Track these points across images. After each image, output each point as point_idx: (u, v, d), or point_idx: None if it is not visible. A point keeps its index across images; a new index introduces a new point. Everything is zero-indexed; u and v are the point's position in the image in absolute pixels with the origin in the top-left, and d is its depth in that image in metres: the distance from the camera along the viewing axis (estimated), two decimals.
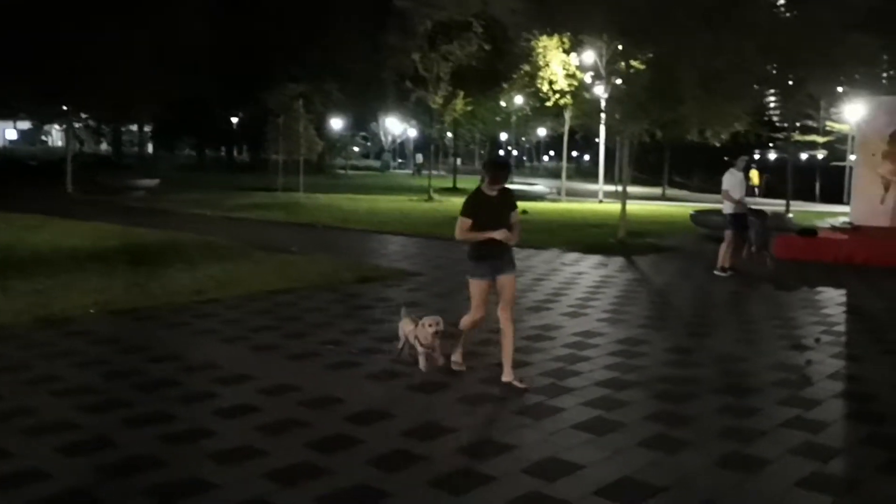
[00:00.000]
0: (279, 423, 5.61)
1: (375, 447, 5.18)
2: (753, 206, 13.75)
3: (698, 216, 20.42)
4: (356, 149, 73.29)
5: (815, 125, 43.98)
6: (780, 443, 5.42)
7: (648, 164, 54.75)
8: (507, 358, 6.61)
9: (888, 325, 9.43)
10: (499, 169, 6.63)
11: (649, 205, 33.19)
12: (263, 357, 7.45)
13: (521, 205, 20.93)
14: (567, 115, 34.97)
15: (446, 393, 6.41)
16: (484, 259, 6.55)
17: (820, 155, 49.09)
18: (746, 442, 5.41)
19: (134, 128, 66.14)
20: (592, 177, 43.75)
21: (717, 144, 26.51)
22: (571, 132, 38.31)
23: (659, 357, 7.66)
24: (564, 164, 40.21)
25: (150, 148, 70.64)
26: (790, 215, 22.98)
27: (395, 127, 64.71)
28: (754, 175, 49.62)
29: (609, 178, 43.28)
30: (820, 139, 44.31)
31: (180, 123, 56.62)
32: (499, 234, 6.40)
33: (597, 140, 39.78)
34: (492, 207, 6.50)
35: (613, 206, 19.08)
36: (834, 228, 17.66)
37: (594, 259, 14.83)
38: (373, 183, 45.73)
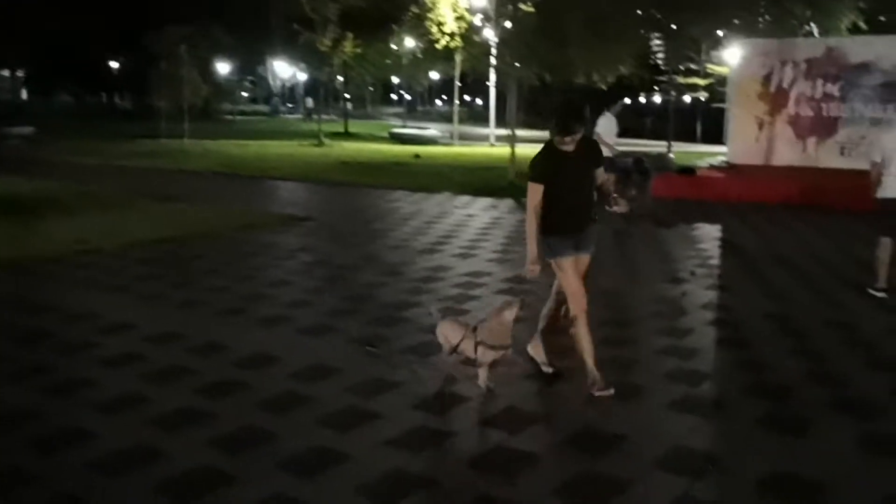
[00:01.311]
0: (165, 370, 5.54)
1: (262, 390, 5.19)
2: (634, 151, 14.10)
3: None
4: (244, 94, 71.36)
5: (697, 68, 45.24)
6: (654, 370, 5.70)
7: (539, 107, 55.38)
8: (589, 357, 5.24)
9: (759, 257, 9.93)
10: (571, 117, 5.00)
11: (539, 147, 33.64)
12: (148, 306, 7.31)
13: (413, 149, 21.00)
14: (457, 58, 34.93)
15: (336, 334, 6.44)
16: (567, 233, 5.17)
17: (702, 97, 50.62)
18: (623, 369, 5.66)
19: (6, 73, 62.56)
20: (485, 121, 43.99)
21: (604, 87, 27.07)
22: (463, 76, 38.36)
23: (544, 294, 7.86)
24: (456, 107, 40.28)
25: (23, 94, 66.97)
26: (671, 155, 23.73)
27: (284, 71, 63.22)
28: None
29: (501, 122, 43.56)
30: (701, 82, 45.62)
31: (56, 68, 53.80)
32: (529, 266, 5.18)
33: (488, 84, 39.92)
34: (570, 167, 5.06)
35: (505, 150, 19.31)
36: (711, 167, 18.38)
37: (484, 202, 15.02)
38: (262, 128, 44.77)
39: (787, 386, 5.43)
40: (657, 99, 62.29)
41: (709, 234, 11.64)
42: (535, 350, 5.63)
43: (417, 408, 4.95)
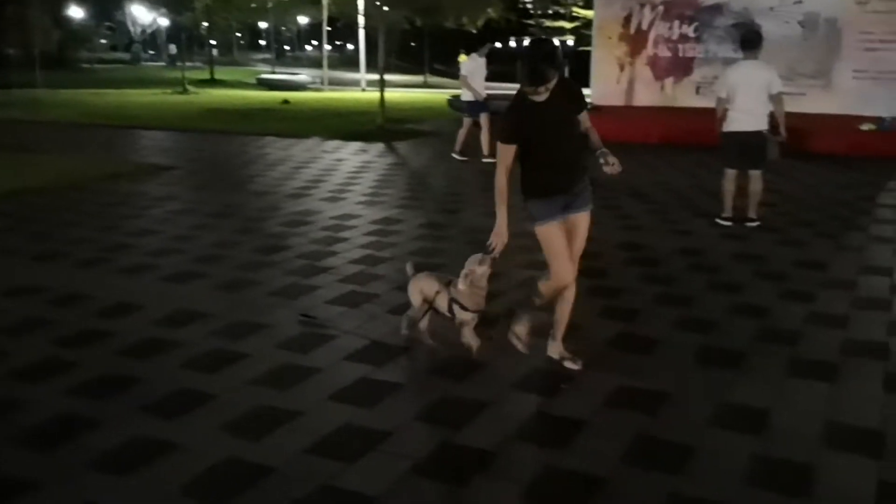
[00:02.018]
0: (22, 322, 5.39)
1: (125, 338, 5.12)
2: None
3: (455, 101, 21.00)
4: (103, 41, 67.82)
5: (563, 12, 45.95)
6: (514, 300, 5.93)
7: (410, 52, 55.09)
8: (559, 326, 4.76)
9: (617, 192, 10.35)
10: (543, 61, 4.13)
11: (411, 92, 33.64)
12: (4, 260, 7.03)
13: (281, 95, 20.53)
14: (324, 1, 34.25)
15: (202, 280, 6.39)
16: (550, 194, 4.44)
17: (569, 40, 51.49)
18: (492, 303, 5.86)
19: None
20: (356, 66, 43.45)
21: (474, 31, 27.22)
22: (332, 20, 37.67)
23: (412, 233, 8.02)
24: (325, 52, 39.66)
25: None
26: None
27: (144, 16, 60.29)
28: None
29: (372, 67, 43.13)
30: (568, 25, 46.41)
31: None
32: (495, 235, 4.52)
33: (358, 28, 39.39)
34: (548, 119, 4.29)
35: (375, 95, 19.19)
36: None
37: (354, 146, 14.97)
38: (122, 77, 42.77)
39: (637, 309, 5.78)
40: (527, 43, 62.77)
41: None
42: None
43: (282, 347, 5.01)
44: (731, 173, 8.41)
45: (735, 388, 4.46)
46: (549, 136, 4.33)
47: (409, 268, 5.19)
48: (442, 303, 4.80)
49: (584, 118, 4.50)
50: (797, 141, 12.51)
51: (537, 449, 3.81)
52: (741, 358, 4.89)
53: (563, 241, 4.49)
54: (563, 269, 4.52)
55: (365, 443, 3.81)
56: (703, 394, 4.39)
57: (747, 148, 8.16)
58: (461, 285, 4.65)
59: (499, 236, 4.51)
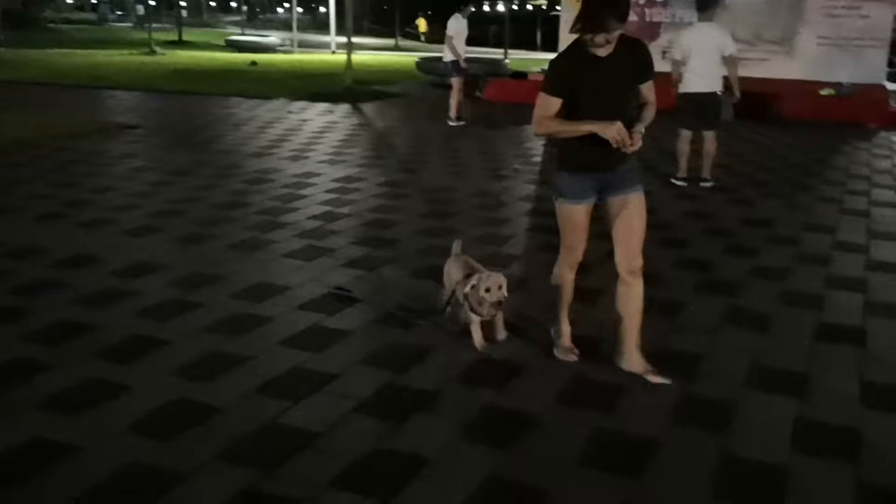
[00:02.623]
0: None
1: (82, 288, 5.21)
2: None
3: (423, 64, 21.02)
4: (69, 0, 66.60)
5: None
6: (470, 254, 6.07)
7: (383, 15, 54.65)
8: (630, 335, 4.11)
9: None
10: (607, 5, 3.59)
11: (381, 55, 33.49)
12: None
13: (250, 57, 20.42)
14: None
15: (161, 234, 6.46)
16: (585, 168, 3.86)
17: (543, 4, 51.39)
18: (439, 256, 6.00)
19: None
20: (328, 28, 43.06)
21: None
22: None
23: (372, 191, 8.12)
24: (294, 14, 39.24)
25: None
26: (507, 62, 24.17)
27: None
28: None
29: (343, 30, 42.85)
30: None
31: None
32: (608, 129, 3.63)
33: None
34: (603, 77, 3.71)
35: (344, 57, 19.12)
36: (542, 72, 18.92)
37: (320, 107, 14.97)
38: (89, 37, 42.09)
39: (586, 264, 5.92)
40: (501, 7, 62.49)
41: (534, 135, 12.15)
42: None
43: (238, 297, 5.11)
44: (686, 134, 8.58)
45: (672, 336, 4.65)
46: (599, 97, 3.70)
47: (455, 245, 4.87)
48: (459, 294, 4.44)
49: (647, 90, 3.88)
50: (759, 105, 12.77)
51: (477, 390, 3.97)
52: (681, 307, 5.08)
53: (585, 225, 3.99)
54: (572, 251, 4.10)
55: (311, 384, 3.95)
56: (644, 338, 4.56)
57: (702, 109, 8.32)
58: (472, 292, 4.26)
59: (610, 128, 3.62)
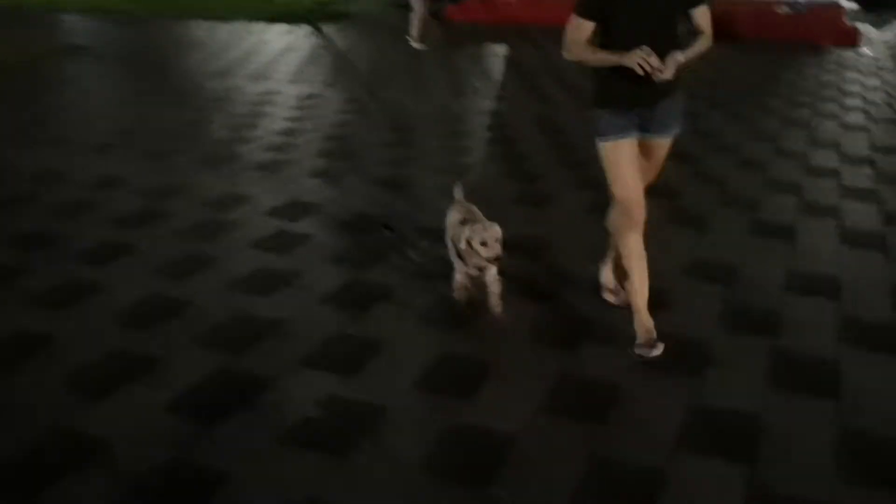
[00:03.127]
0: None
1: (53, 200, 5.40)
2: None
3: None
4: None
5: None
6: (428, 164, 6.33)
7: None
8: (639, 299, 3.63)
9: (538, 73, 10.68)
10: None
11: None
12: None
13: None
14: None
15: (125, 150, 6.61)
16: (625, 104, 3.41)
17: None
18: (398, 166, 6.25)
19: None
20: None
21: None
22: None
23: (334, 108, 8.28)
24: None
25: None
26: None
27: None
28: None
29: None
30: None
31: None
32: (629, 57, 3.15)
33: None
34: (643, 1, 3.26)
35: None
36: None
37: (280, 28, 14.90)
38: None
39: (539, 173, 6.22)
40: None
41: (496, 54, 12.28)
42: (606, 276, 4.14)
43: (206, 205, 5.34)
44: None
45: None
46: (637, 24, 3.24)
47: (457, 190, 4.34)
48: (451, 237, 4.00)
49: (700, 17, 3.38)
50: (718, 25, 12.91)
51: (435, 283, 4.26)
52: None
53: (632, 162, 3.47)
54: (627, 191, 3.48)
55: (277, 280, 4.22)
56: (587, 240, 4.87)
57: None
58: (466, 237, 3.77)
59: (632, 56, 3.13)
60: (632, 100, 3.39)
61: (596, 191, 5.70)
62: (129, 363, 3.43)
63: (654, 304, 3.62)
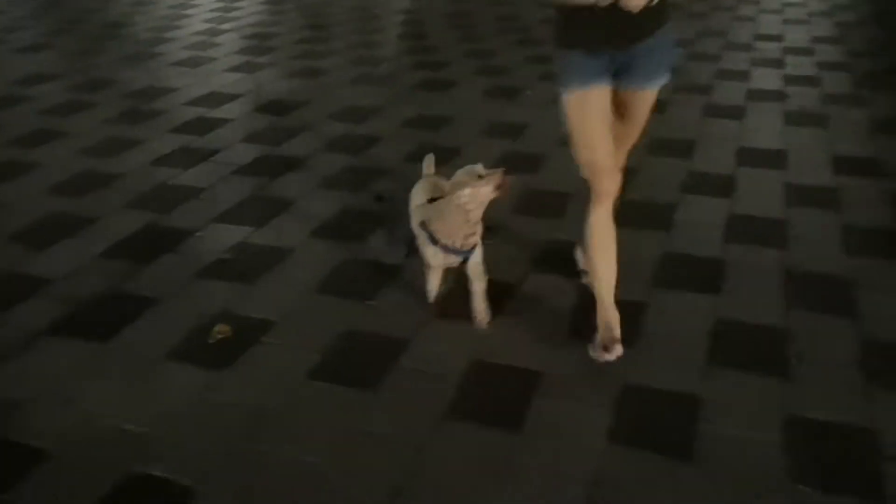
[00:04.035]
0: None
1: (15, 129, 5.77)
2: None
3: None
4: None
5: None
6: (343, 57, 6.76)
7: None
8: (604, 288, 2.90)
9: None
10: None
11: None
12: None
13: None
14: None
15: (50, 51, 6.91)
16: (589, 44, 2.66)
17: None
18: (316, 59, 6.68)
19: None
20: None
21: None
22: None
23: (253, 10, 8.59)
24: None
25: None
26: None
27: None
28: None
29: None
30: None
31: None
32: None
33: None
34: None
35: None
36: None
37: None
38: None
39: (446, 61, 6.69)
40: None
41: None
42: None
43: (131, 97, 5.74)
44: None
45: (508, 110, 5.51)
46: None
47: (426, 162, 3.41)
48: (414, 224, 3.13)
49: None
50: None
51: (341, 155, 4.78)
52: (518, 92, 5.91)
53: (602, 117, 2.72)
54: (593, 154, 2.74)
55: (197, 157, 4.71)
56: (483, 116, 5.41)
57: None
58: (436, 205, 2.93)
59: None
60: (602, 38, 2.59)
61: (496, 76, 6.23)
62: (68, 222, 3.92)
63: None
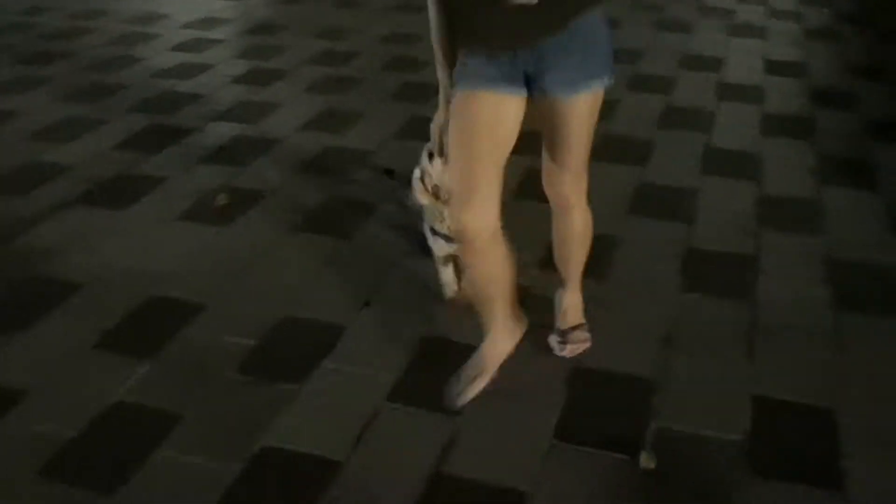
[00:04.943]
0: None
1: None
2: None
3: None
4: None
5: None
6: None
7: None
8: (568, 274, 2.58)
9: None
10: None
11: None
12: None
13: None
14: None
15: None
16: (480, 44, 2.08)
17: None
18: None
19: None
20: None
21: None
22: None
23: None
24: None
25: None
26: None
27: None
28: None
29: None
30: None
31: None
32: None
33: None
34: None
35: None
36: None
37: None
38: None
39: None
40: None
41: None
42: None
43: (128, 22, 6.19)
44: None
45: None
46: None
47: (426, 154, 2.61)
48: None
49: None
50: None
51: (315, 64, 5.25)
52: None
53: (488, 131, 2.09)
54: (461, 181, 2.11)
55: (196, 69, 5.19)
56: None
57: None
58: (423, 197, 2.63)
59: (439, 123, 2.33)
60: (495, 37, 2.04)
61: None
62: (82, 123, 4.41)
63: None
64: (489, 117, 2.09)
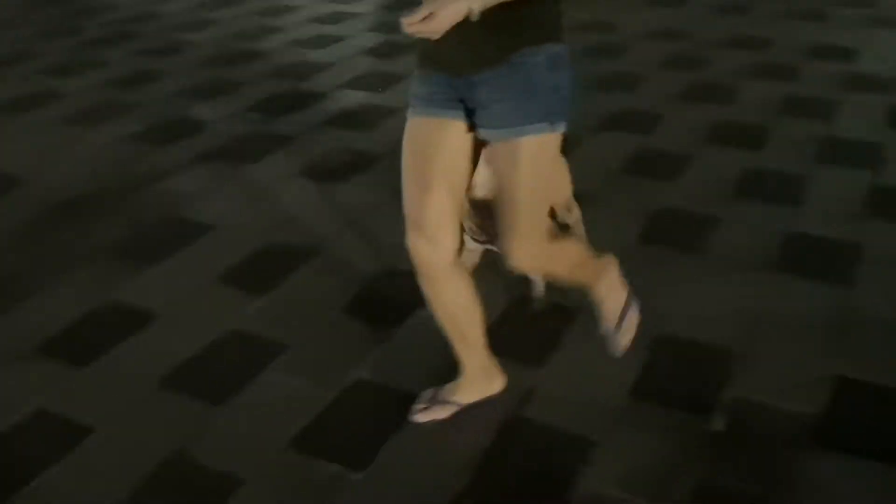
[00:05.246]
0: None
1: (126, 9, 6.71)
2: None
3: None
4: None
5: None
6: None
7: None
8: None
9: None
10: None
11: None
12: None
13: None
14: None
15: None
16: (430, 67, 1.93)
17: None
18: None
19: None
20: None
21: None
22: None
23: None
24: None
25: None
26: None
27: None
28: None
29: None
30: None
31: None
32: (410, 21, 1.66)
33: None
34: None
35: None
36: None
37: None
38: None
39: None
40: None
41: None
42: None
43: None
44: None
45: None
46: None
47: None
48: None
49: None
50: None
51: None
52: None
53: (433, 155, 1.95)
54: (411, 207, 2.00)
55: (328, 41, 5.49)
56: None
57: None
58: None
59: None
60: (437, 58, 1.90)
61: None
62: (219, 85, 4.78)
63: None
64: (432, 141, 1.95)
